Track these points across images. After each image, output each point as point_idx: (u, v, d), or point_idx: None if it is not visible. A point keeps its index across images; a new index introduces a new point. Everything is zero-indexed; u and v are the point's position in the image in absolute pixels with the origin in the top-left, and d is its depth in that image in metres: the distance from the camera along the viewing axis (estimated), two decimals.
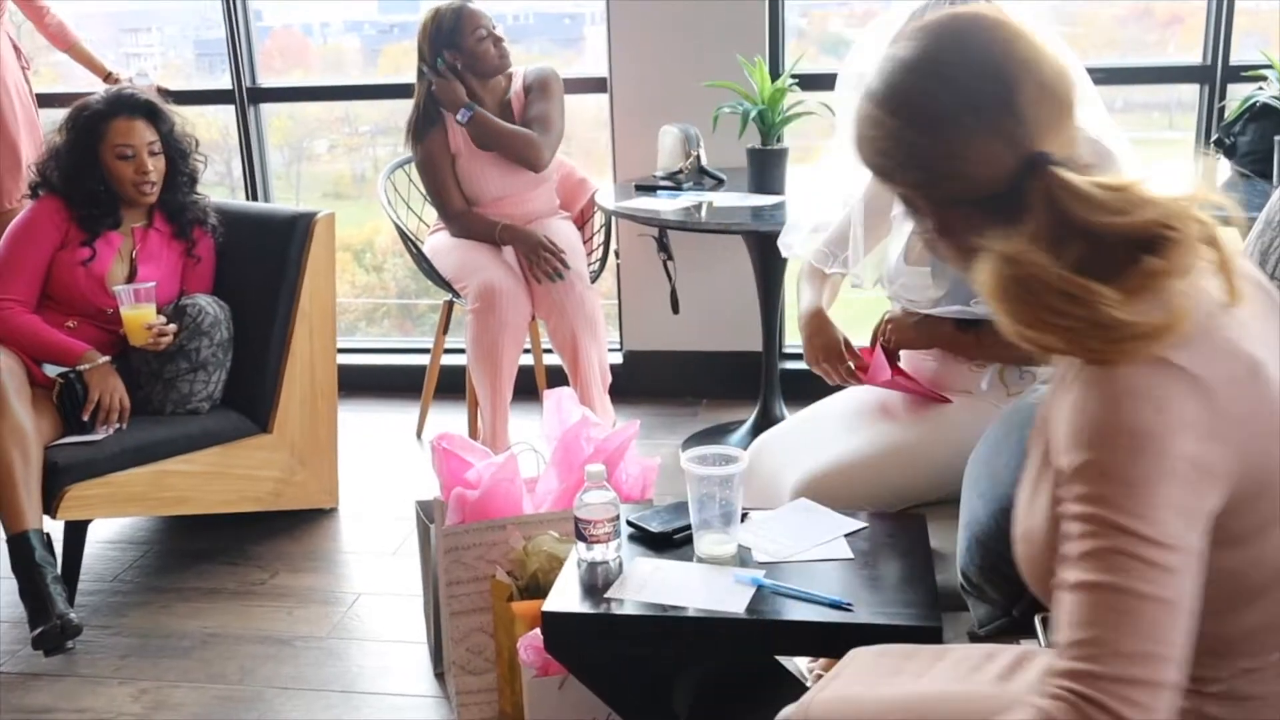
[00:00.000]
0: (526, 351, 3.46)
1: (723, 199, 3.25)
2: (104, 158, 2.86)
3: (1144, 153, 2.08)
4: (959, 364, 2.17)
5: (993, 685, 1.31)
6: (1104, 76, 2.13)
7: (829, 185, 2.39)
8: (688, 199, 3.25)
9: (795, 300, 2.41)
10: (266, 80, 4.30)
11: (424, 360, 3.84)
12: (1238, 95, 3.42)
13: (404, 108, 3.58)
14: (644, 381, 3.98)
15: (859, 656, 1.44)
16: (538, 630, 1.90)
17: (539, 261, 3.29)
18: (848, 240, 2.30)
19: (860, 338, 2.29)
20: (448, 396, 3.82)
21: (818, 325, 2.29)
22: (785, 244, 2.47)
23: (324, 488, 3.24)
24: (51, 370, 2.80)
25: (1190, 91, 3.74)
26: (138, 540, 3.17)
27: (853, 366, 2.23)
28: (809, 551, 1.86)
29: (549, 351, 3.59)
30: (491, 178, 3.44)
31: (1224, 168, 3.29)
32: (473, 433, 3.53)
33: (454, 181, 3.46)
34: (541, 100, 3.46)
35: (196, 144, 3.03)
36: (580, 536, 1.85)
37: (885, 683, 1.36)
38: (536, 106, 3.45)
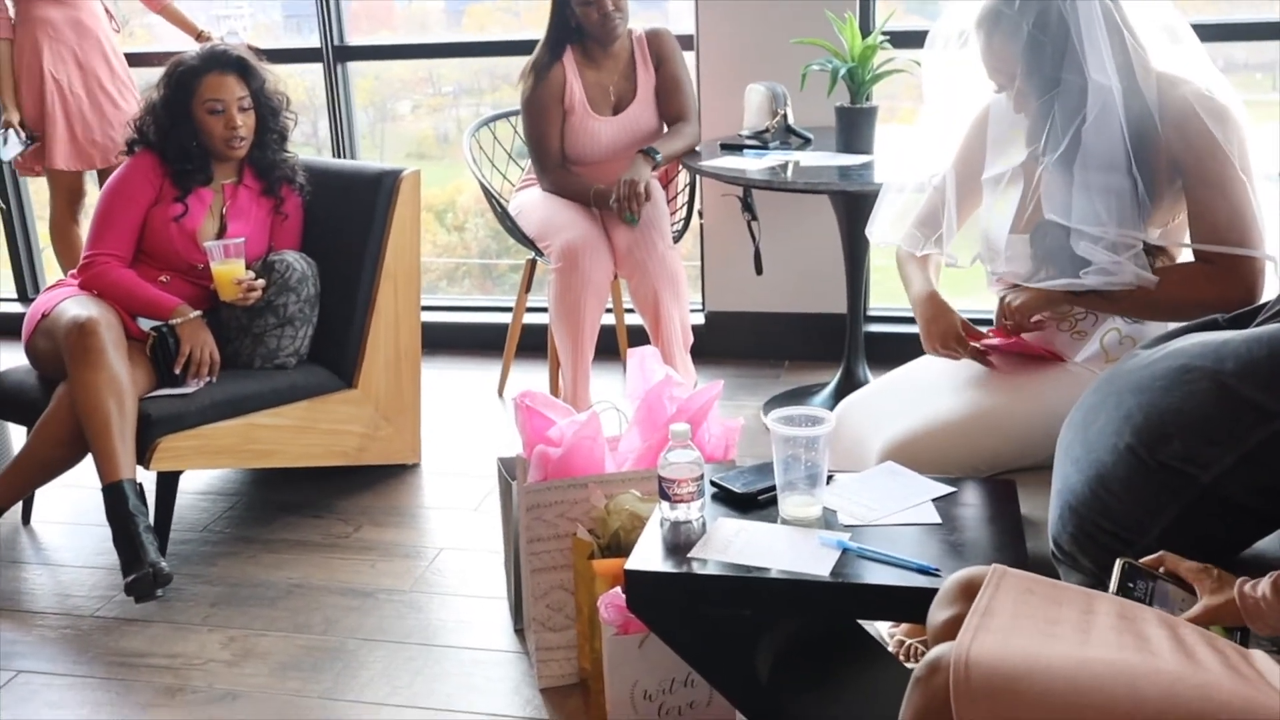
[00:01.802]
0: (608, 311, 3.45)
1: (809, 158, 3.19)
2: (195, 113, 2.88)
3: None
4: (1059, 332, 2.12)
5: (1178, 661, 1.23)
6: (1203, 33, 2.04)
7: (917, 157, 2.32)
8: (774, 158, 3.20)
9: (879, 267, 2.35)
10: (353, 42, 4.33)
11: (506, 319, 3.86)
12: None
13: (487, 66, 3.56)
14: (726, 342, 3.96)
15: (1006, 583, 1.36)
16: (619, 589, 1.90)
17: (625, 195, 3.23)
18: (936, 219, 2.22)
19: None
20: (529, 355, 3.84)
21: (935, 310, 2.19)
22: (870, 231, 2.37)
23: (407, 444, 3.27)
24: (145, 324, 2.85)
25: None
26: (227, 492, 3.24)
27: (974, 345, 2.15)
28: (895, 515, 1.84)
29: (630, 311, 3.58)
30: (602, 144, 3.42)
31: None
32: (554, 391, 3.54)
33: (558, 134, 3.45)
34: (674, 77, 3.46)
35: (287, 101, 3.04)
36: (664, 495, 1.84)
37: (1048, 638, 1.27)
38: (674, 96, 3.45)
